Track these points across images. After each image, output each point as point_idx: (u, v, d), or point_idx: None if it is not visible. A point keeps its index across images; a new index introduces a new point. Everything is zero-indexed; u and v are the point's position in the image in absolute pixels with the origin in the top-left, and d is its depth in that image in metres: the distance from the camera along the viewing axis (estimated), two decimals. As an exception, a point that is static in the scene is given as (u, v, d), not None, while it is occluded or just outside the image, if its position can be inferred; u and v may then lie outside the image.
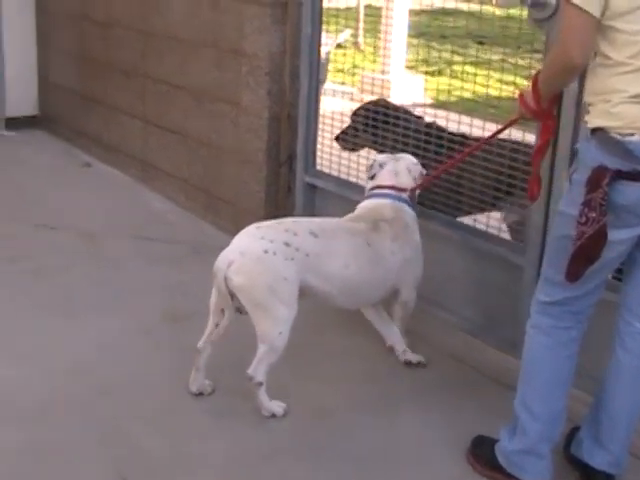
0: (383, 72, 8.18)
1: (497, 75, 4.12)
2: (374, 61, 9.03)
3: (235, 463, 3.08)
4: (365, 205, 3.75)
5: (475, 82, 4.30)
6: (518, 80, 4.09)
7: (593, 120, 2.61)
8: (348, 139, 4.48)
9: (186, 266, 4.71)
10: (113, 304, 4.23)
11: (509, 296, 3.76)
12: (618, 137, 2.53)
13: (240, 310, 3.26)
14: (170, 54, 5.56)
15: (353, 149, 4.50)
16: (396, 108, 4.35)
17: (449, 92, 5.10)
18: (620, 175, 2.52)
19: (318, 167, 4.76)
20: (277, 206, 4.92)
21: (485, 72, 4.43)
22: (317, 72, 4.65)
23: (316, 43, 4.60)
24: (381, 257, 3.53)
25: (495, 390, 3.56)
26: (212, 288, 3.28)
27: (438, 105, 6.45)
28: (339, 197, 4.62)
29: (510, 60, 4.39)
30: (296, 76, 4.69)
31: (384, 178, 3.75)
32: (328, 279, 3.37)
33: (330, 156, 4.66)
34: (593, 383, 3.09)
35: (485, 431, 3.17)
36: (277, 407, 3.32)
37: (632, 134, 2.52)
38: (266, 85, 4.71)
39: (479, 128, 3.92)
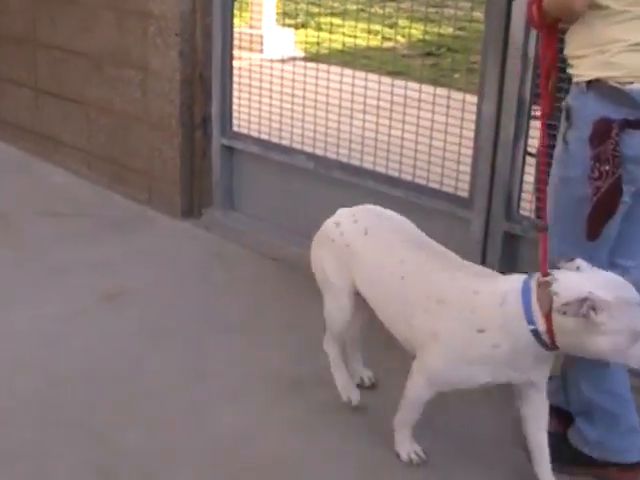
0: (251, 27, 8.01)
1: (364, 25, 4.08)
2: (240, 16, 8.85)
3: (214, 451, 2.97)
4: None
5: (344, 34, 4.28)
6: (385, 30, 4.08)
7: (588, 72, 2.55)
8: None
9: (106, 241, 4.49)
10: (39, 289, 4.00)
11: (458, 250, 3.74)
12: (619, 86, 2.49)
13: None
14: (64, 19, 5.24)
15: None
16: None
17: (318, 45, 5.04)
18: (628, 125, 2.48)
19: (235, 129, 4.63)
20: (193, 172, 4.76)
21: (353, 23, 4.39)
22: (231, 30, 4.49)
23: (228, 0, 4.45)
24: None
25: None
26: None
27: (310, 58, 6.41)
28: (259, 158, 4.52)
29: (372, 10, 4.38)
30: (208, 36, 4.51)
31: None
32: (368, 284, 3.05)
33: (249, 116, 4.54)
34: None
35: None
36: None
37: (632, 82, 2.48)
38: (176, 46, 4.52)
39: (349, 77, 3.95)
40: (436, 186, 3.84)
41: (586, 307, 2.30)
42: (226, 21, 4.45)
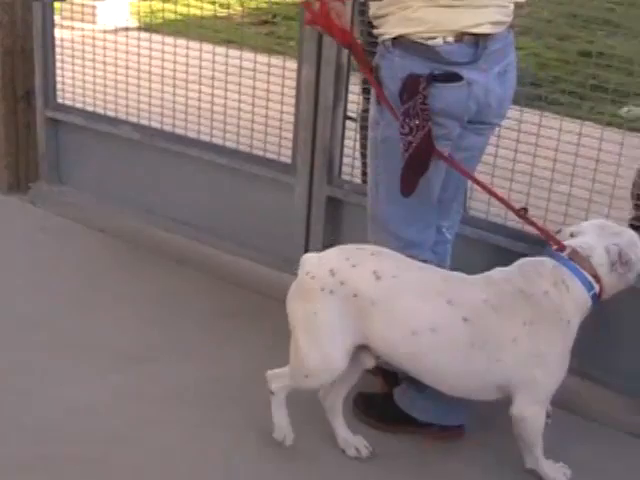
0: (86, -4, 7.84)
1: None
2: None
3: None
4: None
5: (176, 3, 4.26)
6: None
7: (392, 30, 2.60)
8: None
9: None
10: None
11: (285, 217, 3.81)
12: (423, 41, 2.55)
13: None
14: None
15: None
16: None
17: (153, 14, 5.03)
18: (434, 78, 2.53)
19: (60, 101, 4.54)
20: (18, 145, 4.66)
21: None
22: (51, 1, 4.40)
23: (47, -32, 4.36)
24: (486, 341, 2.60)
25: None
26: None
27: (145, 28, 6.33)
28: (85, 130, 4.46)
29: None
30: (28, 7, 4.40)
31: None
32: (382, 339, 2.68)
33: (73, 88, 4.46)
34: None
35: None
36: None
37: (435, 37, 2.54)
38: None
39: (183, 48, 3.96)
40: (260, 153, 3.88)
41: (624, 259, 2.63)
42: (45, -10, 4.36)
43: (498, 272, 2.71)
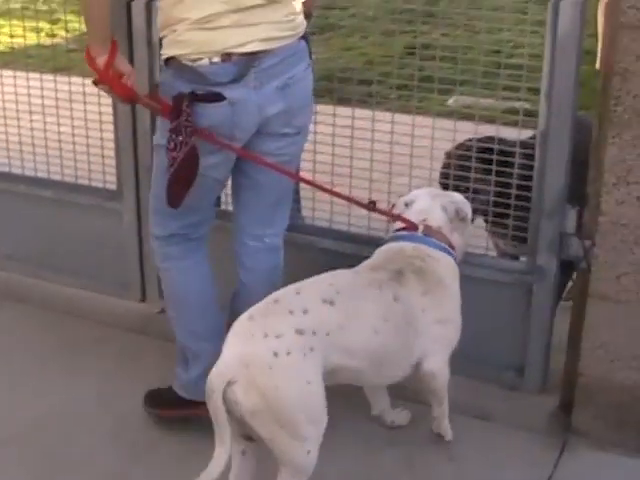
0: None
1: (29, 23, 4.09)
2: None
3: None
4: (384, 250, 2.91)
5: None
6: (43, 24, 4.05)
7: (165, 51, 2.71)
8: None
9: None
10: None
11: (115, 242, 3.80)
12: (189, 63, 2.63)
13: (250, 437, 2.48)
14: None
15: None
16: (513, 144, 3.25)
17: None
18: (197, 98, 2.62)
19: None
20: None
21: (16, 22, 4.34)
22: None
23: None
24: (411, 316, 2.74)
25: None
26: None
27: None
28: None
29: (31, 7, 4.35)
30: None
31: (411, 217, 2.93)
32: (355, 353, 2.61)
33: None
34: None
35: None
36: None
37: (201, 58, 2.63)
38: None
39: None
40: (85, 182, 3.86)
41: (461, 215, 2.93)
42: None
43: (371, 261, 2.86)
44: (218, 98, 2.64)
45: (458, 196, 3.01)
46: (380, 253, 2.88)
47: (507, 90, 3.18)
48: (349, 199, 2.95)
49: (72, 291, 3.96)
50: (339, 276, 2.71)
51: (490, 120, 3.32)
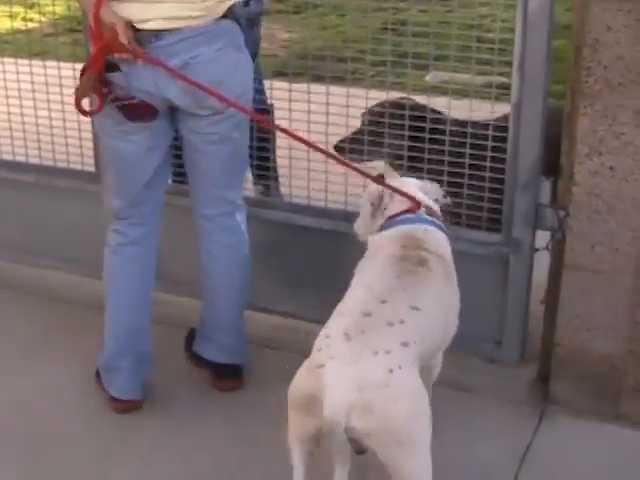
0: None
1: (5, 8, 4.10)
2: None
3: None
4: (391, 235, 2.64)
5: None
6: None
7: None
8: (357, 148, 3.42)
9: None
10: None
11: (93, 225, 3.80)
12: None
13: (362, 451, 2.26)
14: None
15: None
16: (424, 108, 3.34)
17: None
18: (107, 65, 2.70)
19: None
20: None
21: None
22: None
23: None
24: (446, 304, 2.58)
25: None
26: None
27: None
28: None
29: None
30: None
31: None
32: (429, 356, 2.52)
33: None
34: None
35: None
36: None
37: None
38: None
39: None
40: (64, 165, 3.87)
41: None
42: None
43: (390, 250, 2.55)
44: (115, 68, 2.71)
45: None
46: (392, 239, 2.60)
47: (483, 65, 3.19)
48: (358, 170, 2.86)
49: (53, 274, 3.99)
50: (388, 276, 2.44)
51: (465, 94, 3.34)
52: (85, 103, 2.83)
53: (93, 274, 3.82)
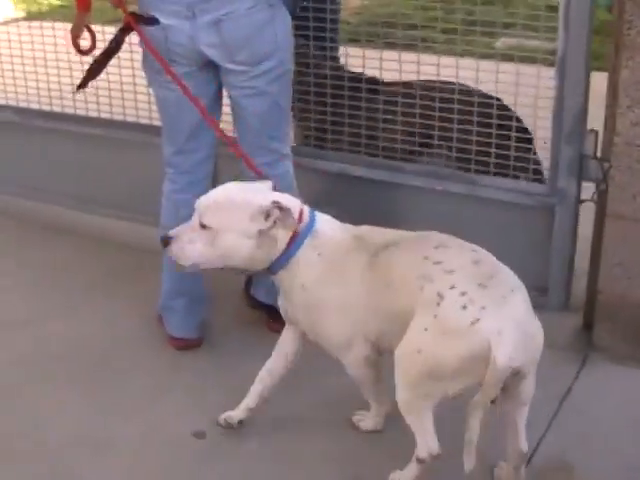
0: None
1: None
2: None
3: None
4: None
5: None
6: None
7: None
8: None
9: None
10: None
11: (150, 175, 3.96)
12: None
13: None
14: None
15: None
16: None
17: (37, 3, 5.13)
18: (138, 19, 2.93)
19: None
20: None
21: None
22: None
23: None
24: None
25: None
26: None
27: (32, 17, 6.44)
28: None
29: None
30: None
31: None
32: None
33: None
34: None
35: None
36: None
37: None
38: None
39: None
40: (133, 119, 4.06)
41: None
42: None
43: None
44: (154, 22, 2.90)
45: None
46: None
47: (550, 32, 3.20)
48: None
49: (116, 222, 4.21)
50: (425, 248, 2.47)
51: (533, 61, 3.39)
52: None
53: (152, 222, 4.02)
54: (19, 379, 3.16)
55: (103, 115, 4.16)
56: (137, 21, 2.93)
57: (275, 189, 2.59)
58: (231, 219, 2.47)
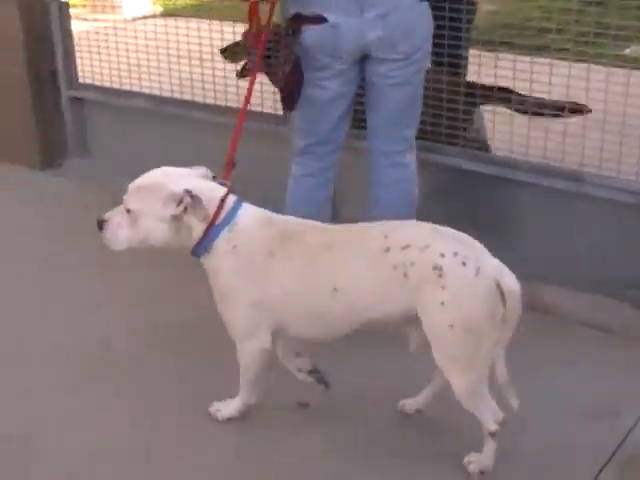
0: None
1: None
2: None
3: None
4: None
5: None
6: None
7: None
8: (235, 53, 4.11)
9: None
10: None
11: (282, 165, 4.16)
12: None
13: None
14: None
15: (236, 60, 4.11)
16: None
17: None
18: (303, 19, 3.04)
19: (81, 80, 5.01)
20: (47, 124, 5.10)
21: None
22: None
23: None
24: None
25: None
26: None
27: (168, 14, 6.73)
28: (106, 105, 4.89)
29: None
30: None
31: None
32: None
33: (92, 67, 4.92)
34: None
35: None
36: None
37: None
38: (15, 10, 4.86)
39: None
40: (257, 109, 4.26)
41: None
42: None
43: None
44: (322, 20, 3.04)
45: None
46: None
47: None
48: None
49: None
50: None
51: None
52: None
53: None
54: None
55: (231, 104, 4.36)
56: (303, 22, 3.05)
57: (213, 177, 2.71)
58: (147, 203, 2.59)
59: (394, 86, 3.21)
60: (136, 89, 4.77)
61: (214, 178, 2.72)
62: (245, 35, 3.51)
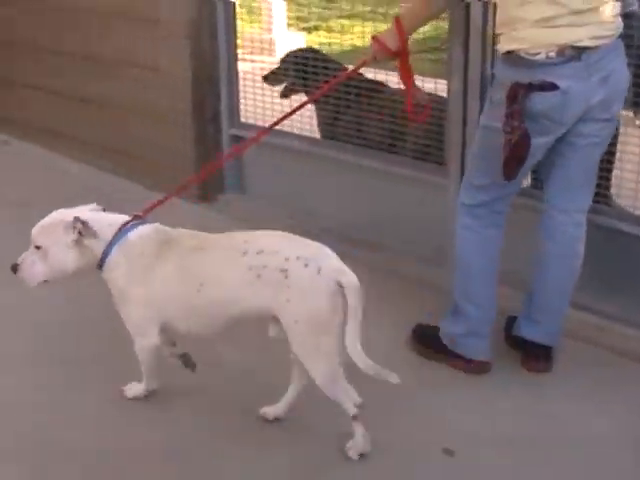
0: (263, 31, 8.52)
1: (371, 26, 4.54)
2: (251, 21, 9.32)
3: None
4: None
5: (352, 33, 4.70)
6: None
7: (504, 46, 3.14)
8: (276, 77, 4.93)
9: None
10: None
11: (436, 215, 4.24)
12: (527, 56, 3.06)
13: None
14: (82, 27, 5.81)
15: (277, 84, 4.93)
16: (324, 55, 4.78)
17: (330, 45, 5.47)
18: (534, 87, 3.03)
19: (243, 120, 5.20)
20: (206, 157, 5.26)
21: (360, 24, 4.88)
22: (234, 34, 5.07)
23: (230, 6, 5.04)
24: None
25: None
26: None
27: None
28: (264, 144, 5.02)
29: (379, 10, 4.85)
30: (214, 38, 5.09)
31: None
32: None
33: (255, 108, 5.11)
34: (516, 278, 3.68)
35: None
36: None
37: (538, 53, 3.05)
38: (186, 49, 5.09)
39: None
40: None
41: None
42: (229, 26, 5.06)
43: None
44: (553, 87, 3.04)
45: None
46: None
47: None
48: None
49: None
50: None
51: None
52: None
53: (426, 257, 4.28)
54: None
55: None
56: (532, 89, 3.03)
57: (103, 209, 3.19)
58: (52, 237, 3.06)
59: (590, 145, 3.26)
60: (291, 130, 4.89)
61: (104, 210, 3.21)
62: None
